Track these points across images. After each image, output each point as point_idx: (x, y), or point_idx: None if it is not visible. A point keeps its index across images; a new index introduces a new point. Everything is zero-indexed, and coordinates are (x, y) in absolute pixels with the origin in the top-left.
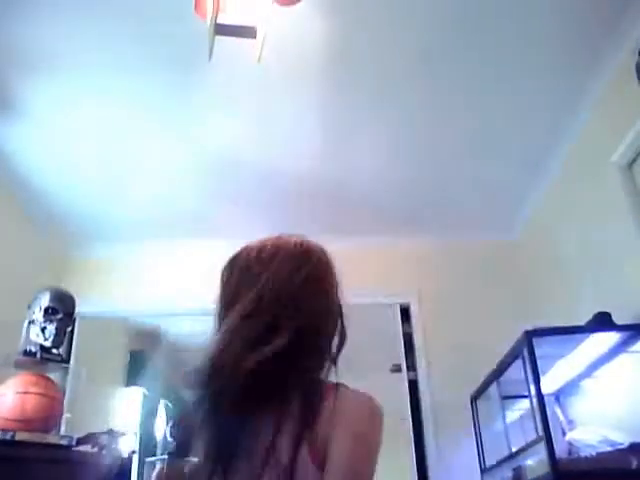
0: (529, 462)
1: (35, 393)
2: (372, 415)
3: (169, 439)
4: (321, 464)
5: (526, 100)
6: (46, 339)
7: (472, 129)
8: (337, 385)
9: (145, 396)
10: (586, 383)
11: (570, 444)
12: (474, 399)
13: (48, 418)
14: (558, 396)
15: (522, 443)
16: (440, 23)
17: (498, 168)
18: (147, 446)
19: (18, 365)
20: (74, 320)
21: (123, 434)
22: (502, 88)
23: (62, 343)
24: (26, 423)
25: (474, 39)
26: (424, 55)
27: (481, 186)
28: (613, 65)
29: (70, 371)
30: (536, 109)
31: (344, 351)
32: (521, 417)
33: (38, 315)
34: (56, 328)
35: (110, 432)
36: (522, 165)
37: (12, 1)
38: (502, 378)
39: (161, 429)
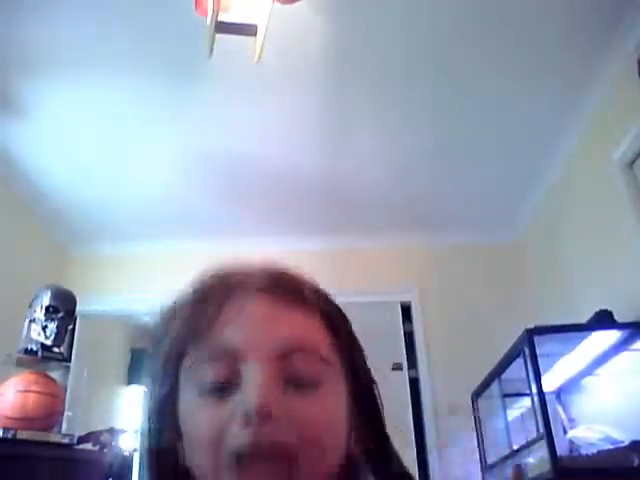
0: (530, 460)
1: (36, 391)
2: None
3: None
4: None
5: (527, 100)
6: (47, 337)
7: (472, 130)
8: None
9: (146, 394)
10: (587, 381)
11: (571, 442)
12: (475, 397)
13: (49, 416)
14: (559, 394)
15: (523, 441)
16: (441, 23)
17: (499, 168)
18: None
19: (19, 363)
20: (75, 318)
21: (124, 432)
22: (503, 88)
23: (63, 341)
24: (27, 421)
25: (475, 40)
26: (425, 54)
27: (482, 185)
28: (614, 65)
29: (71, 369)
30: (537, 108)
31: None
32: (522, 415)
33: (39, 313)
34: (57, 326)
35: (111, 430)
36: (523, 165)
37: (13, 3)
38: (503, 376)
39: None
